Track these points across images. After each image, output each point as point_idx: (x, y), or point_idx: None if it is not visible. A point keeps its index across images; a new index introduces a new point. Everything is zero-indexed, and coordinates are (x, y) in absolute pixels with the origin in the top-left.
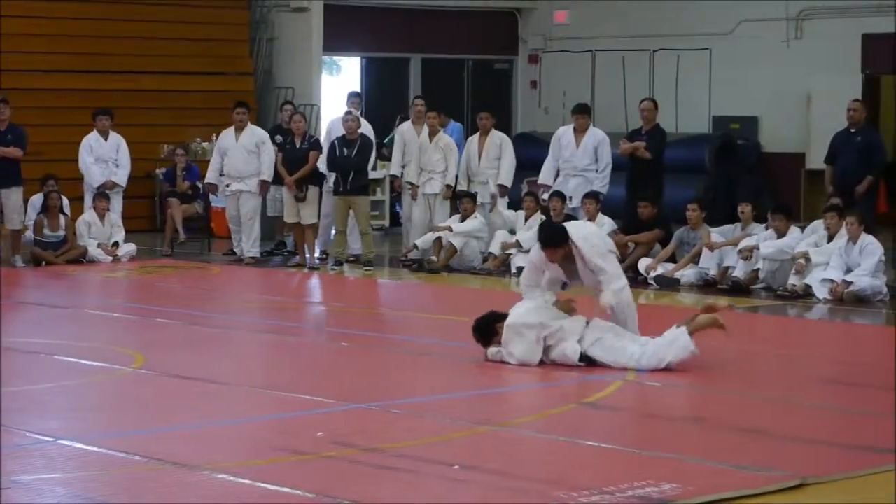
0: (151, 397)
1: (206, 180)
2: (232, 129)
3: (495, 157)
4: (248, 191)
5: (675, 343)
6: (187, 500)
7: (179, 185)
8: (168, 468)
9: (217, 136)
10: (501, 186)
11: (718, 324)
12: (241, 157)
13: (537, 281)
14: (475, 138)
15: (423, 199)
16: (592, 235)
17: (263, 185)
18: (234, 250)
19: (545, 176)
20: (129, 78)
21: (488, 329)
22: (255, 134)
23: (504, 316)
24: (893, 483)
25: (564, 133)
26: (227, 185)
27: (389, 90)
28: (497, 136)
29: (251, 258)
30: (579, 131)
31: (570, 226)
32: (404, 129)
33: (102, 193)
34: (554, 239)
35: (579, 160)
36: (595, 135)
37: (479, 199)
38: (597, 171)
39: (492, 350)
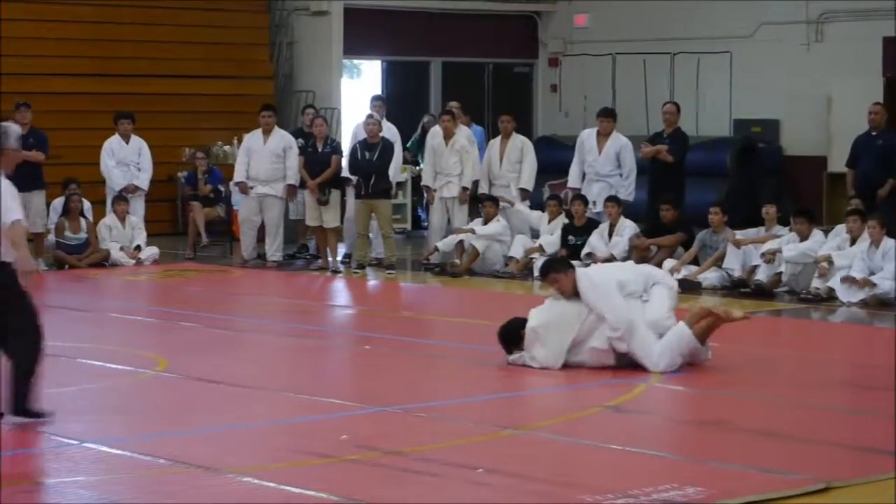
0: (175, 400)
1: (236, 179)
2: (259, 131)
3: (517, 160)
4: (273, 195)
5: (681, 340)
6: (211, 503)
7: (201, 189)
8: (192, 471)
9: (238, 140)
10: (523, 190)
11: (727, 318)
12: (267, 160)
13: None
14: (496, 142)
15: (441, 202)
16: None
17: (291, 190)
18: (243, 253)
19: (573, 179)
20: (150, 81)
21: (513, 335)
22: (282, 138)
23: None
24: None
25: (588, 137)
26: (252, 188)
27: (410, 93)
28: (518, 140)
29: (274, 261)
30: (603, 135)
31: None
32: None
33: (121, 196)
34: (555, 265)
35: (602, 166)
36: (618, 140)
37: (500, 203)
38: (621, 176)
39: (514, 355)
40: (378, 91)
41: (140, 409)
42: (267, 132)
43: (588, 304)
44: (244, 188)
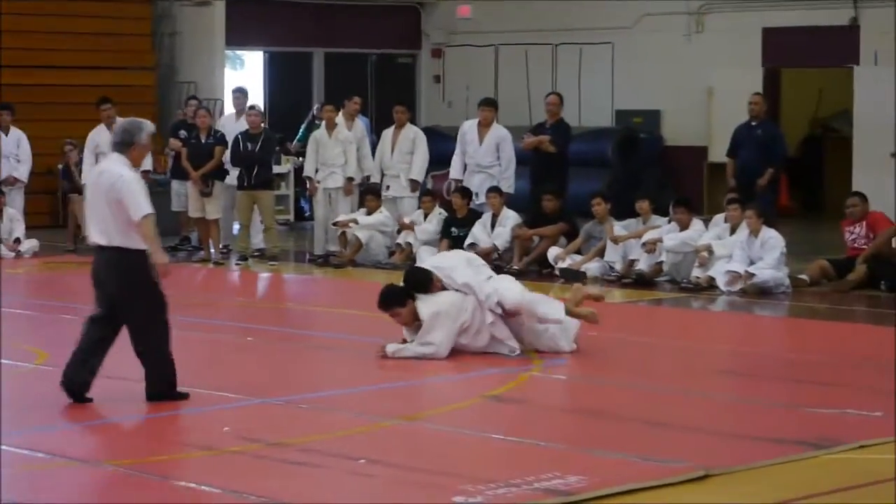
0: (54, 394)
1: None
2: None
3: (408, 151)
4: None
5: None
6: (92, 497)
7: (76, 181)
8: (72, 465)
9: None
10: (413, 181)
11: (594, 319)
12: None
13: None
14: (390, 132)
15: (324, 193)
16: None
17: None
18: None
19: (454, 171)
20: (31, 73)
21: (398, 295)
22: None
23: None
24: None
25: (470, 128)
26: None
27: (293, 84)
28: (411, 131)
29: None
30: (483, 125)
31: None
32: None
33: None
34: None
35: (482, 157)
36: (498, 131)
37: (391, 192)
38: (500, 168)
39: (392, 346)
40: (260, 82)
41: (19, 402)
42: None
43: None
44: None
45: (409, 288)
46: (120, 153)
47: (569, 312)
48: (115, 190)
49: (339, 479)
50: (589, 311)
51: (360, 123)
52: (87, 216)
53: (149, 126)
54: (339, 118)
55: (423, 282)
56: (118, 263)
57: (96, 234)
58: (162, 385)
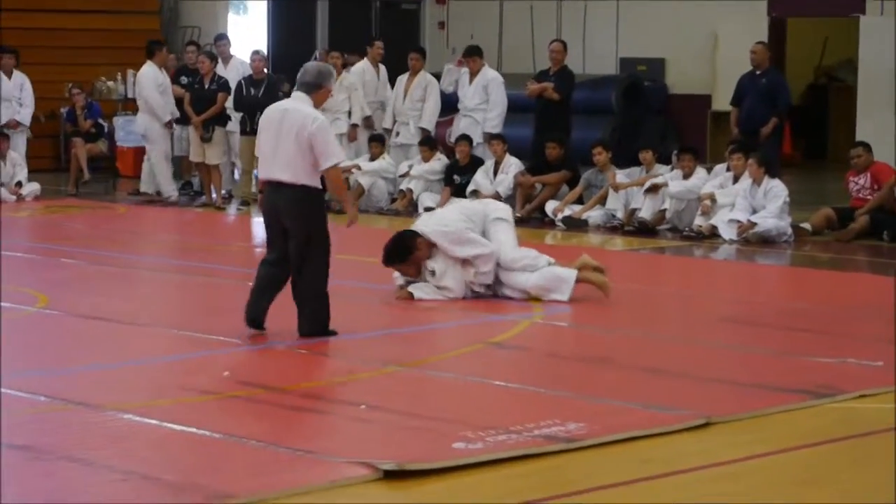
0: (55, 338)
1: None
2: None
3: (419, 98)
4: None
5: (566, 281)
6: (93, 440)
7: (81, 124)
8: (73, 408)
9: (122, 75)
10: (422, 129)
11: (606, 288)
12: None
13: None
14: (404, 78)
15: None
16: (445, 223)
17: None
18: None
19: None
20: (33, 16)
21: (405, 248)
22: None
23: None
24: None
25: (463, 74)
26: None
27: (297, 31)
28: (424, 79)
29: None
30: (472, 73)
31: (420, 224)
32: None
33: (1, 133)
34: (395, 254)
35: (469, 100)
36: (486, 74)
37: (400, 139)
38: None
39: (418, 292)
40: (264, 28)
41: (20, 346)
42: None
43: (450, 252)
44: None
45: (395, 257)
46: (306, 93)
47: (580, 279)
48: (307, 131)
49: (340, 424)
50: (601, 280)
51: (384, 70)
52: (262, 152)
53: (331, 70)
54: (362, 63)
55: (409, 248)
56: (302, 201)
57: (279, 171)
58: (316, 324)
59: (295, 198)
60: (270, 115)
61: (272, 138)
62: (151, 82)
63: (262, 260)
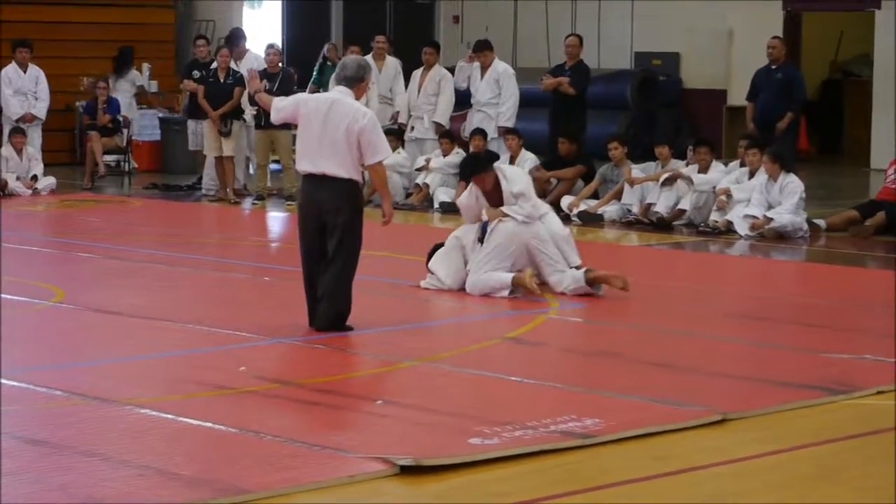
0: (71, 331)
1: None
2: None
3: (433, 93)
4: None
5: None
6: (109, 434)
7: (100, 118)
8: (89, 403)
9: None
10: (437, 124)
11: (625, 283)
12: None
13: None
14: (419, 73)
15: None
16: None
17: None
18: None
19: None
20: (49, 10)
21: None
22: None
23: None
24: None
25: (476, 69)
26: None
27: (311, 25)
28: (438, 73)
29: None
30: (484, 68)
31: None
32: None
33: (18, 128)
34: (480, 164)
35: (482, 94)
36: (497, 67)
37: (415, 134)
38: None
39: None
40: (278, 22)
41: (37, 340)
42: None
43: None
44: None
45: (482, 163)
46: (348, 87)
47: (595, 278)
48: (359, 125)
49: (356, 419)
50: (620, 280)
51: (393, 62)
52: (307, 145)
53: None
54: (367, 58)
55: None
56: (349, 194)
57: (325, 164)
58: (335, 319)
59: (342, 191)
60: (316, 106)
61: (318, 129)
62: None
63: (306, 259)
